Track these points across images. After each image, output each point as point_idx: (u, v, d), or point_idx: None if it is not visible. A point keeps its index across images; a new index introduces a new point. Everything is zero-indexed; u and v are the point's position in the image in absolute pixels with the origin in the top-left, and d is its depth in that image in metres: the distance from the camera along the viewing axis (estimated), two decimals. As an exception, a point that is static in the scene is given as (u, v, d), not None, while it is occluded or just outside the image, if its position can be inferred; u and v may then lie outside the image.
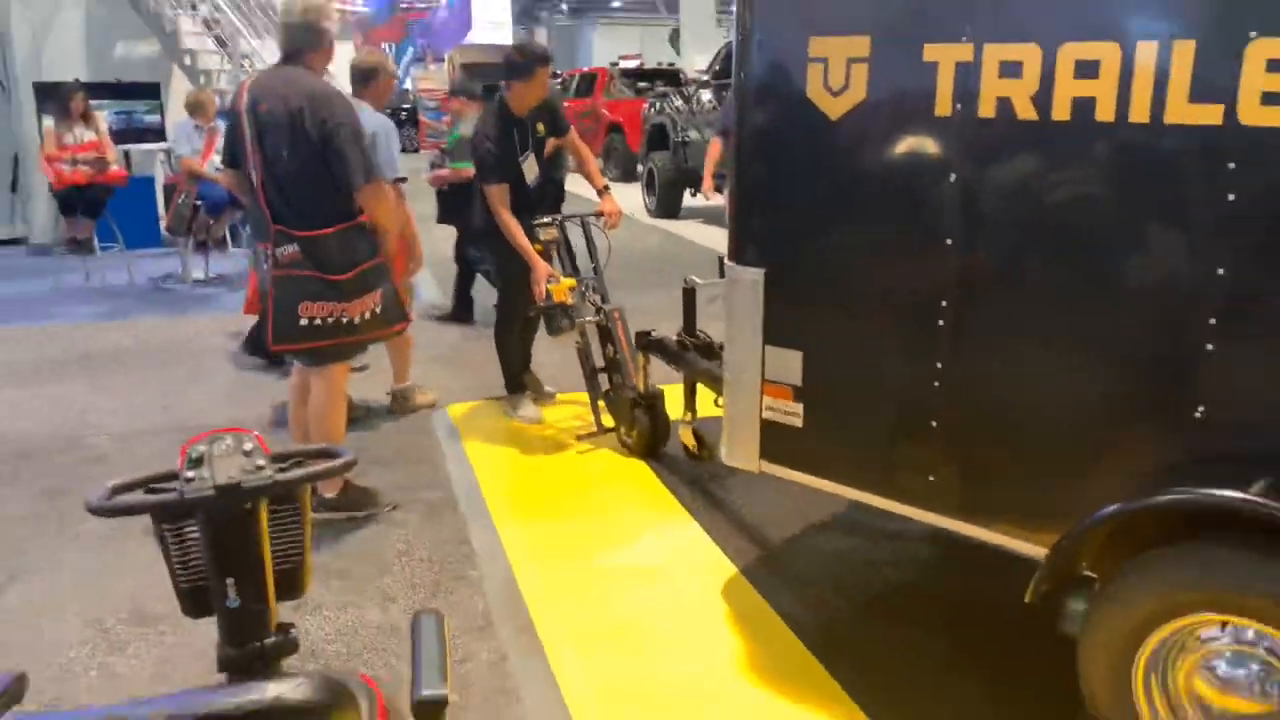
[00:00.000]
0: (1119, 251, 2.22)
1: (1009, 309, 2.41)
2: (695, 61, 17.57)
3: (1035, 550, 2.35)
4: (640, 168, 12.73)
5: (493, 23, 24.17)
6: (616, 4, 35.69)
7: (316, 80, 3.55)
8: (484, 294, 6.40)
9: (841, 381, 2.76)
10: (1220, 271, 2.05)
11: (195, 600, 1.41)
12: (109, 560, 3.43)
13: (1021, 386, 2.41)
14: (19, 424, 4.89)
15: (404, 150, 6.46)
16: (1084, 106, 2.17)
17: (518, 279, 4.55)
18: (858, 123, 2.58)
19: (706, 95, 11.22)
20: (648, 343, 4.35)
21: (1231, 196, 2.01)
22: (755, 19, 2.78)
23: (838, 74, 2.58)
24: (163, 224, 8.71)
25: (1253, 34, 1.92)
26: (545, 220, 4.48)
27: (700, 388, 4.12)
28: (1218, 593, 2.01)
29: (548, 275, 4.35)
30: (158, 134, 9.84)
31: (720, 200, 8.33)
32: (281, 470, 1.40)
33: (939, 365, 2.52)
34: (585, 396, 4.67)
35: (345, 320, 3.54)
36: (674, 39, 23.29)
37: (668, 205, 11.78)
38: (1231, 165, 1.99)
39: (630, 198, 11.05)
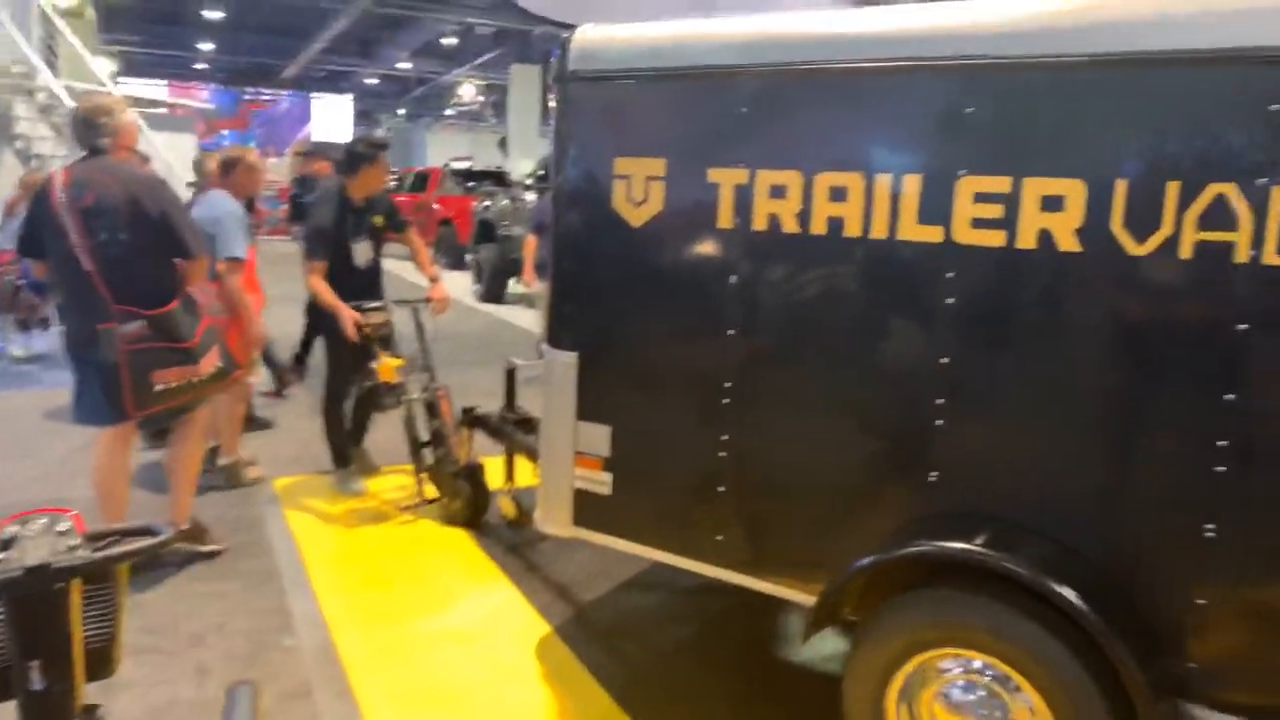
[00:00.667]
0: (866, 342, 2.63)
1: (780, 388, 2.78)
2: (521, 165, 18.25)
3: (808, 598, 2.66)
4: (469, 258, 13.43)
5: (333, 123, 24.49)
6: (449, 112, 36.73)
7: (134, 168, 3.85)
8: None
9: (644, 453, 3.05)
10: (944, 360, 2.46)
11: None
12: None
13: (791, 454, 2.77)
14: None
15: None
16: (836, 223, 2.59)
17: (343, 359, 4.69)
18: (655, 230, 2.94)
19: (530, 196, 11.89)
20: (472, 418, 4.58)
21: (950, 300, 2.44)
22: (570, 138, 3.11)
23: (639, 189, 2.95)
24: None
25: (962, 171, 2.38)
26: (375, 305, 4.64)
27: (519, 459, 4.36)
28: (949, 629, 2.36)
29: (353, 320, 4.46)
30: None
31: (540, 288, 8.69)
32: (97, 549, 1.39)
33: (724, 437, 2.85)
34: (412, 468, 4.79)
35: (196, 380, 3.80)
36: (502, 144, 24.28)
37: (494, 291, 12.45)
38: (950, 275, 2.42)
39: (460, 284, 11.58)
